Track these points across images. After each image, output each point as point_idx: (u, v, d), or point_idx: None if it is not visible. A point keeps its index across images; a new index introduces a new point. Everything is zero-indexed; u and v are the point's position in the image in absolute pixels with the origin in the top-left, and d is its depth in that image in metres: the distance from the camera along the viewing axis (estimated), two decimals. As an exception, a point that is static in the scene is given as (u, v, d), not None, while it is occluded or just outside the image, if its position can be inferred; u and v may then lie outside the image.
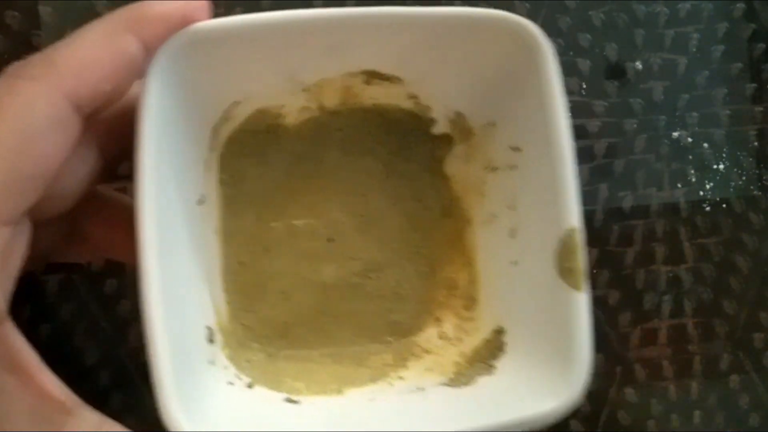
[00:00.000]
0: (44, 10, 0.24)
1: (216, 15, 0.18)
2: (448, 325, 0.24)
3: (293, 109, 0.22)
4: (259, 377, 0.22)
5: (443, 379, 0.22)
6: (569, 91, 0.27)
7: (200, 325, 0.20)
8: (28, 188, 0.16)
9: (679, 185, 0.28)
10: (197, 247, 0.21)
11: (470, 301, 0.23)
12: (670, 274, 0.27)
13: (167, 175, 0.18)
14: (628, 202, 0.27)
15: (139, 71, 0.17)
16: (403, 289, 0.24)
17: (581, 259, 0.19)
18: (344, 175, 0.24)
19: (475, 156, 0.23)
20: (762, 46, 0.28)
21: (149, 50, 0.17)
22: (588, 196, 0.27)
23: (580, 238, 0.19)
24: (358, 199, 0.24)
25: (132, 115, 0.18)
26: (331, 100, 0.22)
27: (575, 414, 0.27)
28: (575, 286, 0.19)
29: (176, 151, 0.19)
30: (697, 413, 0.27)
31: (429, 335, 0.24)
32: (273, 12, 0.18)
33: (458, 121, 0.23)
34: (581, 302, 0.19)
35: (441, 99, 0.23)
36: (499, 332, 0.22)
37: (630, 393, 0.27)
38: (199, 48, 0.18)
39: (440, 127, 0.24)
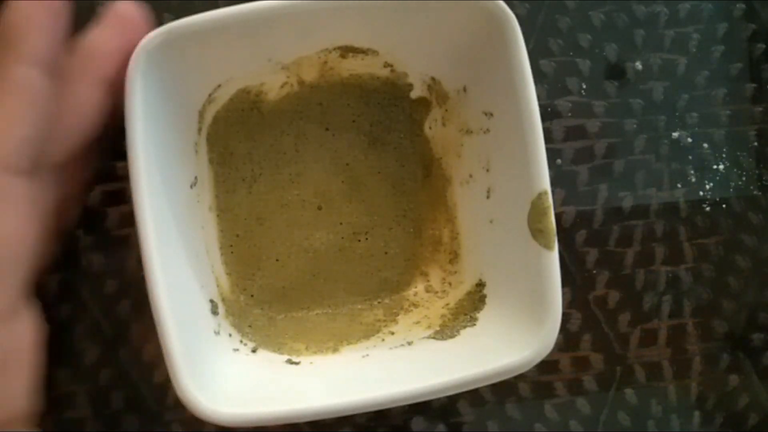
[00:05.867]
0: (44, 11, 0.24)
1: (202, 8, 0.19)
2: (435, 279, 0.25)
3: (274, 86, 0.24)
4: (262, 341, 0.23)
5: (430, 332, 0.23)
6: (569, 92, 0.27)
7: (204, 298, 0.22)
8: (12, 271, 0.16)
9: (678, 185, 0.28)
10: (195, 226, 0.22)
11: (454, 256, 0.25)
12: (670, 275, 0.27)
13: (160, 164, 0.19)
14: (628, 202, 0.27)
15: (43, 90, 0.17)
16: (391, 248, 0.25)
17: (551, 220, 0.20)
18: (328, 147, 0.25)
19: (451, 119, 0.24)
20: (762, 46, 0.28)
21: (43, 65, 0.17)
22: (588, 196, 0.27)
23: (550, 202, 0.20)
24: (344, 168, 0.25)
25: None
26: (310, 75, 0.24)
27: (575, 414, 0.27)
28: (546, 246, 0.20)
29: (166, 140, 0.20)
30: (696, 414, 0.27)
31: (417, 289, 0.25)
32: (244, 5, 0.19)
33: (434, 86, 0.24)
34: (552, 260, 0.20)
35: (416, 66, 0.24)
36: (480, 285, 0.23)
37: (630, 393, 0.27)
38: (177, 43, 0.19)
39: (417, 92, 0.25)
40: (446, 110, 0.24)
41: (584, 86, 0.27)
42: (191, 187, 0.22)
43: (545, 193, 0.20)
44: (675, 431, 0.27)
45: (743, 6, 0.28)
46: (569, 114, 0.27)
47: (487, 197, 0.23)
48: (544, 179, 0.20)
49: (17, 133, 0.16)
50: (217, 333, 0.22)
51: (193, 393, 0.18)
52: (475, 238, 0.24)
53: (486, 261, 0.23)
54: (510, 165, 0.21)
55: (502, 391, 0.26)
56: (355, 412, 0.20)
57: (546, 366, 0.26)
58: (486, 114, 0.22)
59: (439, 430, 0.26)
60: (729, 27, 0.28)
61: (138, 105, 0.18)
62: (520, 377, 0.24)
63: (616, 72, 0.27)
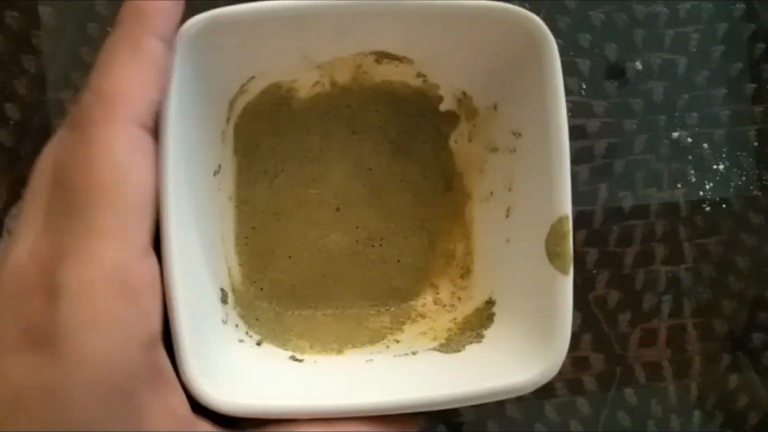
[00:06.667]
0: (44, 10, 0.24)
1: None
2: (444, 292, 0.25)
3: (306, 83, 0.24)
4: (268, 334, 0.23)
5: (435, 344, 0.23)
6: (569, 92, 0.27)
7: (215, 286, 0.22)
8: (146, 214, 0.17)
9: (678, 185, 0.28)
10: (213, 213, 0.22)
11: (465, 271, 0.25)
12: (670, 274, 0.27)
13: (187, 148, 0.19)
14: (628, 202, 0.27)
15: (167, 62, 0.18)
16: (404, 257, 0.25)
17: (569, 245, 0.20)
18: (353, 150, 0.25)
19: (478, 135, 0.24)
20: (762, 46, 0.28)
21: (167, 41, 0.18)
22: (588, 196, 0.27)
23: (569, 227, 0.20)
24: (366, 173, 0.25)
25: None
26: (343, 77, 0.24)
27: (575, 414, 0.27)
28: (562, 270, 0.20)
29: (195, 125, 0.20)
30: (696, 414, 0.27)
31: (425, 300, 0.25)
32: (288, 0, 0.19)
33: (464, 100, 0.24)
34: (566, 285, 0.20)
35: (448, 79, 0.24)
36: (489, 303, 0.23)
37: (630, 393, 0.27)
38: (217, 31, 0.19)
39: (447, 105, 0.25)
40: (474, 126, 0.24)
41: (584, 86, 0.27)
42: (214, 174, 0.22)
43: (566, 217, 0.20)
44: (675, 431, 0.27)
45: (743, 6, 0.28)
46: (569, 114, 0.27)
47: (506, 216, 0.23)
48: (566, 204, 0.20)
49: (152, 96, 0.18)
50: (224, 322, 0.22)
51: (197, 377, 0.18)
52: (490, 256, 0.24)
53: (498, 279, 0.23)
54: (533, 186, 0.21)
55: (502, 391, 0.26)
56: (354, 415, 0.20)
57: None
58: (514, 133, 0.22)
59: (439, 430, 0.26)
60: (729, 27, 0.28)
61: (174, 87, 0.18)
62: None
63: (616, 72, 0.27)
